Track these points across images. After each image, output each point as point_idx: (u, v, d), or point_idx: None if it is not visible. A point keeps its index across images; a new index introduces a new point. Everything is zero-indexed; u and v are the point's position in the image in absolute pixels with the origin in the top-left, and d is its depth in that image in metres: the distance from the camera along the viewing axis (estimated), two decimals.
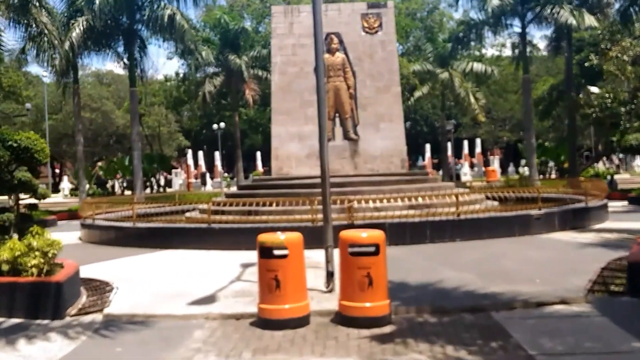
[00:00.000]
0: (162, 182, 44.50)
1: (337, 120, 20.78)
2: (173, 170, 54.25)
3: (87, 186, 40.30)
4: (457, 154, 56.39)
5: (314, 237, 10.07)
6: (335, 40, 20.63)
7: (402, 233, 13.22)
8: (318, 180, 17.20)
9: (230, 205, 16.30)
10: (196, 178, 52.06)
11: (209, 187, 45.69)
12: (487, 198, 18.41)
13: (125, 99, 48.92)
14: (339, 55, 20.67)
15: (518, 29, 30.61)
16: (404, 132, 20.99)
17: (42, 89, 50.00)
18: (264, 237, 7.04)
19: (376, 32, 20.73)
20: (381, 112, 20.74)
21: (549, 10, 27.20)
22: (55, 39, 23.98)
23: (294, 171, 20.47)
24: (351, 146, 20.71)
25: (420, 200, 15.42)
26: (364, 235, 6.96)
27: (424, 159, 56.70)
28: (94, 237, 16.53)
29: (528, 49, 31.65)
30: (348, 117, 20.69)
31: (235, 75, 35.26)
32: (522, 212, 14.14)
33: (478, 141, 60.73)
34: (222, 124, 42.68)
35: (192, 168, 56.33)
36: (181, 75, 40.71)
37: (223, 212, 16.22)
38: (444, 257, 11.04)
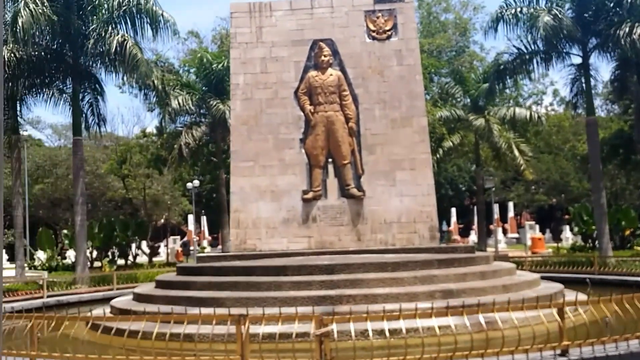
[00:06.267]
0: (146, 250, 37.80)
1: (331, 168, 13.82)
2: (172, 237, 49.74)
3: (44, 256, 34.21)
4: (487, 219, 50.60)
5: None
6: (327, 50, 14.11)
7: None
8: (301, 261, 11.38)
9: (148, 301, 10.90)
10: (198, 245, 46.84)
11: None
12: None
13: (126, 161, 44.38)
14: (333, 72, 14.10)
15: (577, 59, 23.76)
16: (433, 184, 13.89)
17: (33, 151, 46.74)
18: None
19: (388, 37, 14.25)
20: (398, 155, 14.03)
21: (626, 30, 20.28)
22: None
23: (265, 244, 13.82)
24: (353, 207, 13.97)
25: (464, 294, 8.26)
26: None
27: (449, 225, 51.79)
28: None
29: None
30: (347, 164, 14.06)
31: (219, 124, 28.84)
32: None
33: (510, 205, 55.38)
34: (196, 182, 35.92)
35: (193, 234, 51.89)
36: (156, 127, 34.57)
37: (135, 312, 9.99)
38: None
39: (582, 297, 11.75)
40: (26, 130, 46.81)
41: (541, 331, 7.02)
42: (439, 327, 6.63)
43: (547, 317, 6.87)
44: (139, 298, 11.92)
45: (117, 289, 17.38)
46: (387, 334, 6.72)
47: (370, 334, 6.87)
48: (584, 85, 24.34)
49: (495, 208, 52.20)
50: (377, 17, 14.17)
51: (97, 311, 12.93)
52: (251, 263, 12.25)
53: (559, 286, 12.13)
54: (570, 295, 11.98)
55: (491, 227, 49.11)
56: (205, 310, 9.94)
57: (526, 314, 6.95)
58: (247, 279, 11.00)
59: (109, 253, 32.96)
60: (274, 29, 14.24)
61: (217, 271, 11.98)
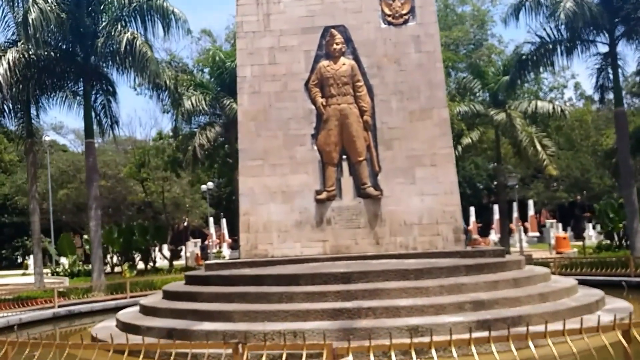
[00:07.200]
0: (167, 254, 37.17)
1: (345, 165, 12.83)
2: (192, 240, 49.84)
3: (66, 262, 33.62)
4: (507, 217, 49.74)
5: None
6: (339, 37, 13.10)
7: None
8: (315, 268, 10.81)
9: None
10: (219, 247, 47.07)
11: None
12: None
13: (144, 164, 44.09)
14: (346, 62, 13.08)
15: (603, 47, 22.44)
16: (456, 181, 12.82)
17: (57, 157, 47.03)
18: None
19: (405, 22, 13.19)
20: (418, 150, 12.99)
21: None
22: None
23: (277, 250, 12.80)
24: (369, 207, 12.94)
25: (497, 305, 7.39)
26: None
27: (468, 224, 50.35)
28: None
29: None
30: (362, 161, 13.06)
31: (233, 124, 27.96)
32: None
33: (530, 203, 54.55)
34: (210, 184, 35.18)
35: (213, 237, 51.72)
36: (171, 129, 33.76)
37: (139, 327, 9.56)
38: None
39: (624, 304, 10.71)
40: (48, 136, 46.68)
41: (597, 345, 5.96)
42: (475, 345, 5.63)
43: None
44: (145, 311, 11.00)
45: (131, 297, 16.89)
46: (414, 353, 5.67)
47: (393, 355, 5.86)
48: (610, 75, 23.10)
49: (515, 206, 50.94)
50: (393, 0, 13.06)
51: (102, 324, 12.11)
52: (261, 271, 11.23)
53: (599, 293, 10.99)
54: (612, 302, 10.91)
55: (512, 226, 47.71)
56: (210, 326, 9.06)
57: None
58: (256, 290, 9.98)
59: (130, 258, 32.46)
60: (282, 16, 13.17)
61: (225, 280, 10.96)
